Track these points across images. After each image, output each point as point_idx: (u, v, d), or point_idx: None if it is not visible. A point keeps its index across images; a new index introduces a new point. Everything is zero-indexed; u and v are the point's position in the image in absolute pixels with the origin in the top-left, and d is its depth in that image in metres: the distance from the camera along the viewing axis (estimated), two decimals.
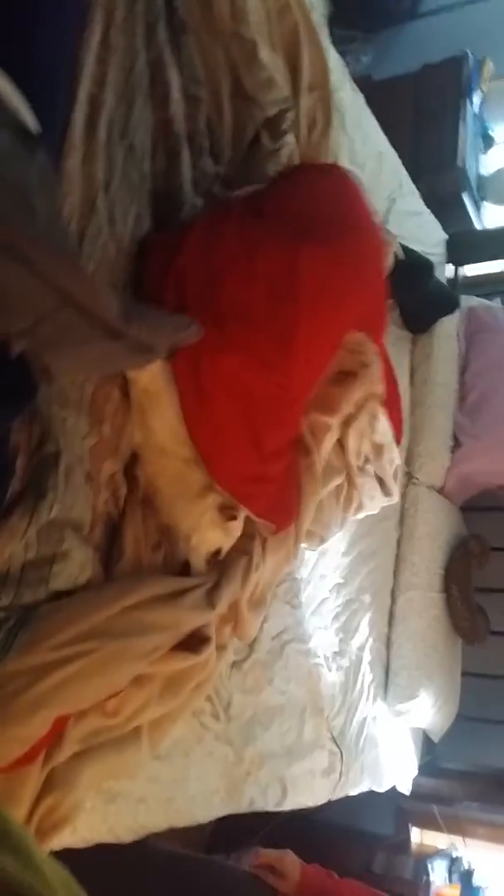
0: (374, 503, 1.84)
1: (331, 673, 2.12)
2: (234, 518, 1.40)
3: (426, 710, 2.52)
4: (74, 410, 1.22)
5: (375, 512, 1.94)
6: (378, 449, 1.77)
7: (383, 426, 1.74)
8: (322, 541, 1.77)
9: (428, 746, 2.82)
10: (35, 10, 1.18)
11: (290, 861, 1.62)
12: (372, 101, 2.66)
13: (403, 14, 4.11)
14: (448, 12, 4.03)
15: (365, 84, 2.77)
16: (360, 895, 1.62)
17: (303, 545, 1.69)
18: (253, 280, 1.30)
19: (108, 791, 1.30)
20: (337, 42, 2.51)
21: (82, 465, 1.23)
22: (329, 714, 2.09)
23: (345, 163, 2.29)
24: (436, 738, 2.76)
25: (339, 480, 1.69)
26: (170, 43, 1.38)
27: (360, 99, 2.47)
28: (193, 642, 1.35)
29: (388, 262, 2.07)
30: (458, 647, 2.77)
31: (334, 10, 3.99)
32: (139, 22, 1.33)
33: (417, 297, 2.66)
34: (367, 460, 1.76)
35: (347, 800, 2.47)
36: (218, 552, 1.45)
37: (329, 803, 2.13)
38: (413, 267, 2.50)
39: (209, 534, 1.41)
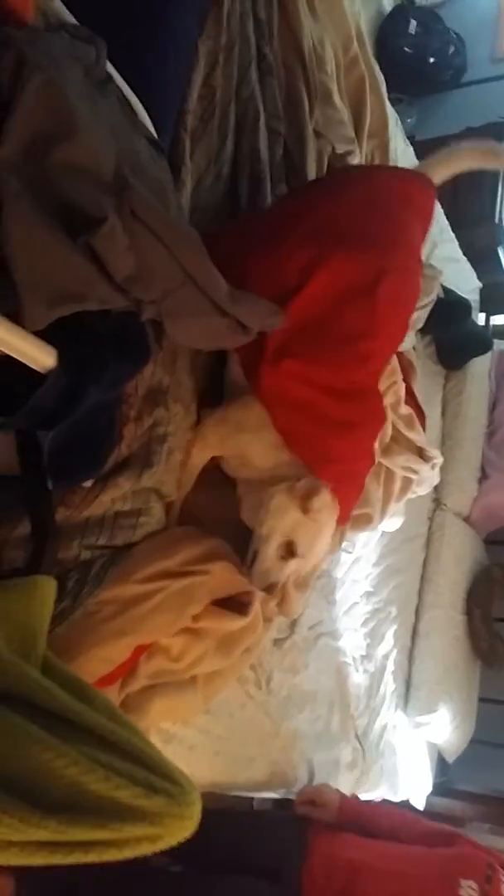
0: (421, 480, 2.01)
1: (357, 674, 2.24)
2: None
3: (444, 726, 2.62)
4: (184, 408, 1.43)
5: (426, 491, 2.14)
6: (408, 420, 1.96)
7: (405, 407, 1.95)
8: (371, 521, 1.91)
9: (442, 768, 2.91)
10: (156, 58, 1.40)
11: (327, 791, 1.74)
12: (416, 159, 2.89)
13: (447, 83, 4.40)
14: (487, 83, 4.32)
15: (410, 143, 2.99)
16: (395, 817, 1.72)
17: (358, 529, 1.86)
18: None
19: (166, 732, 1.44)
20: None
21: (181, 451, 1.41)
22: (354, 713, 2.21)
23: None
24: (450, 759, 2.85)
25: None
26: (259, 83, 1.60)
27: (409, 150, 2.70)
28: (240, 605, 1.50)
29: (435, 294, 2.26)
30: (477, 670, 2.88)
31: (382, 75, 4.29)
32: (236, 61, 1.55)
33: (454, 334, 2.85)
34: (394, 438, 1.93)
35: None
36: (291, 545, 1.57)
37: None
38: (451, 305, 2.70)
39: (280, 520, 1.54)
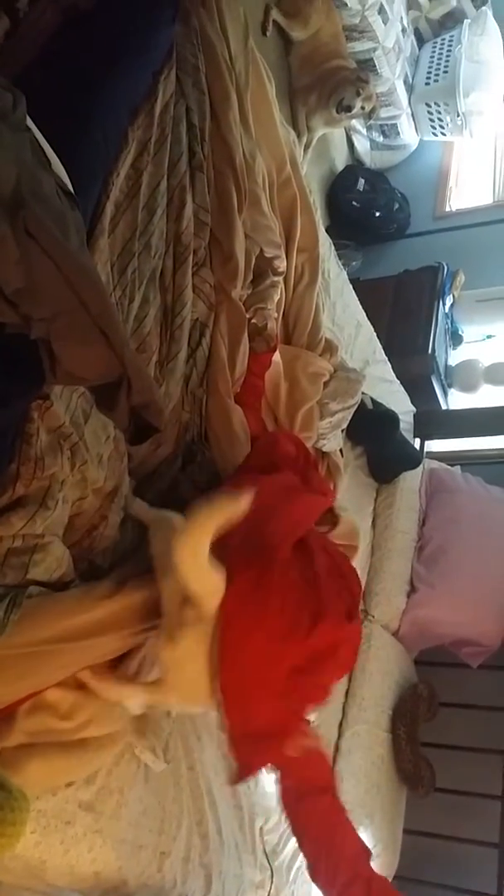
0: None
1: (268, 783, 2.11)
2: None
3: None
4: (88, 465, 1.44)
5: None
6: None
7: None
8: None
9: None
10: (81, 133, 1.52)
11: None
12: (354, 291, 3.06)
13: (391, 234, 4.77)
14: (430, 235, 4.70)
15: (353, 286, 3.17)
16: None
17: None
18: None
19: (41, 801, 1.33)
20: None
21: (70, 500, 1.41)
22: (263, 826, 2.07)
23: (326, 322, 2.62)
24: None
25: None
26: (188, 175, 1.73)
27: (343, 274, 2.88)
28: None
29: (358, 397, 2.35)
30: (403, 796, 2.73)
31: (331, 224, 4.64)
32: (167, 154, 1.68)
33: (383, 447, 2.92)
34: None
35: None
36: None
37: None
38: (380, 417, 2.78)
39: None
